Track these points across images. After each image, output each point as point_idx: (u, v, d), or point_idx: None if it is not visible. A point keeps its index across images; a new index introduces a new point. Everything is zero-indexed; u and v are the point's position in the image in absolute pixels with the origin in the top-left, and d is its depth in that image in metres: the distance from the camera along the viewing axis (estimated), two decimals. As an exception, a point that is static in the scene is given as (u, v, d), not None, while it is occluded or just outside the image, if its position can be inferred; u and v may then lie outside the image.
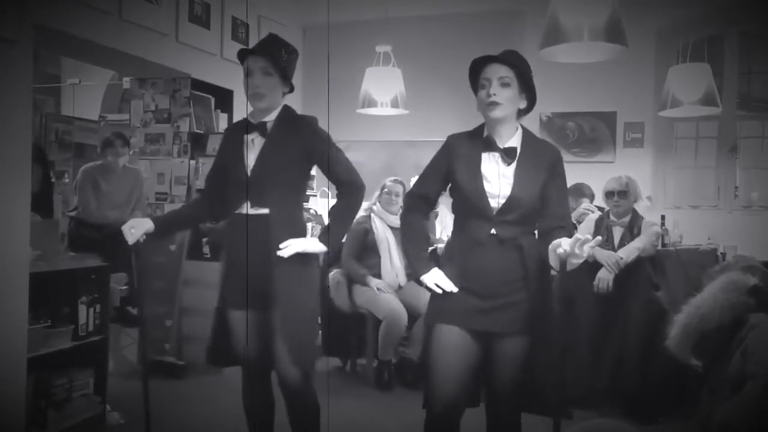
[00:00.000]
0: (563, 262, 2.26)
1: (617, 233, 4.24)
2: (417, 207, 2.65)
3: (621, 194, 4.20)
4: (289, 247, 2.56)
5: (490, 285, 2.40)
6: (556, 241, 2.27)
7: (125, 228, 2.68)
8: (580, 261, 2.24)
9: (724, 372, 2.34)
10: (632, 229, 4.21)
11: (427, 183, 2.61)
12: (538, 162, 2.44)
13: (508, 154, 2.43)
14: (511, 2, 6.26)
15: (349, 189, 2.70)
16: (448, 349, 2.41)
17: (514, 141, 2.46)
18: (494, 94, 2.39)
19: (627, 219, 4.25)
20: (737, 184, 6.07)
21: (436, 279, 2.47)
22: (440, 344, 2.43)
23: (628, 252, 4.04)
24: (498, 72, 2.41)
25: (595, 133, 6.19)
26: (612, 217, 4.29)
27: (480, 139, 2.49)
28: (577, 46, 3.36)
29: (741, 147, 6.12)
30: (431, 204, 2.69)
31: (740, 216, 5.90)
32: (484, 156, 2.45)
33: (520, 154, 2.44)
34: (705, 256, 4.33)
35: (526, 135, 2.50)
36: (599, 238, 2.31)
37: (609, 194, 4.25)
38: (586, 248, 2.20)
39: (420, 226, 2.67)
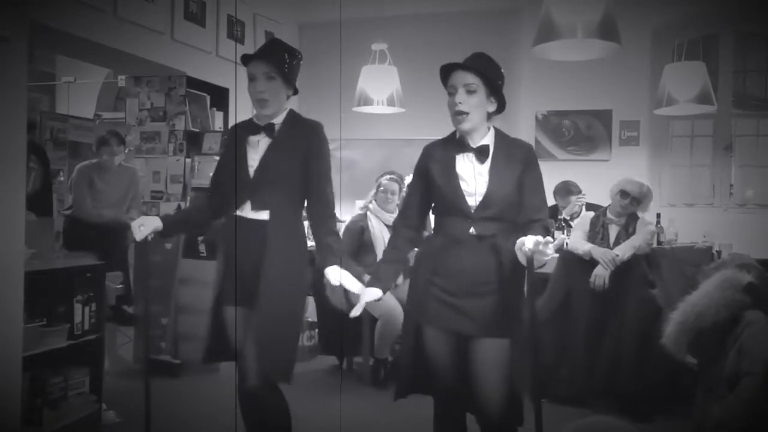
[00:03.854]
0: (530, 259, 2.28)
1: (613, 231, 4.24)
2: (399, 238, 2.64)
3: (634, 200, 4.19)
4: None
5: (466, 284, 2.43)
6: (519, 240, 2.29)
7: (134, 225, 2.66)
8: (547, 258, 2.28)
9: (719, 369, 2.34)
10: (628, 228, 4.21)
11: (409, 204, 2.64)
12: (512, 158, 2.48)
13: (481, 152, 2.47)
14: (507, 0, 6.26)
15: (324, 208, 2.67)
16: (432, 348, 2.50)
17: (487, 139, 2.51)
18: (460, 102, 2.43)
19: (624, 219, 4.25)
20: (732, 182, 6.09)
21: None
22: (422, 341, 2.52)
23: (624, 249, 4.05)
24: (463, 79, 2.44)
25: (590, 131, 6.20)
26: (609, 215, 4.28)
27: (453, 142, 2.54)
28: (571, 44, 3.36)
29: (736, 145, 6.13)
30: (417, 228, 2.65)
31: (735, 214, 5.92)
32: (458, 157, 2.50)
33: (493, 151, 2.48)
34: (700, 254, 4.33)
35: (499, 134, 2.54)
36: (563, 237, 2.34)
37: (623, 194, 4.19)
38: (551, 247, 2.24)
39: (396, 257, 2.64)
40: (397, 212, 2.74)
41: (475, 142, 2.49)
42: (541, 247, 2.21)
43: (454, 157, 2.49)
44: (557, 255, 4.08)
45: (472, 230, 2.44)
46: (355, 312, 2.51)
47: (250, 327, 2.60)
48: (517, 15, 6.16)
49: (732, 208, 6.00)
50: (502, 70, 2.53)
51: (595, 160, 6.13)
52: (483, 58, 2.50)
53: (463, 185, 2.46)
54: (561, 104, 6.16)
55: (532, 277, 2.36)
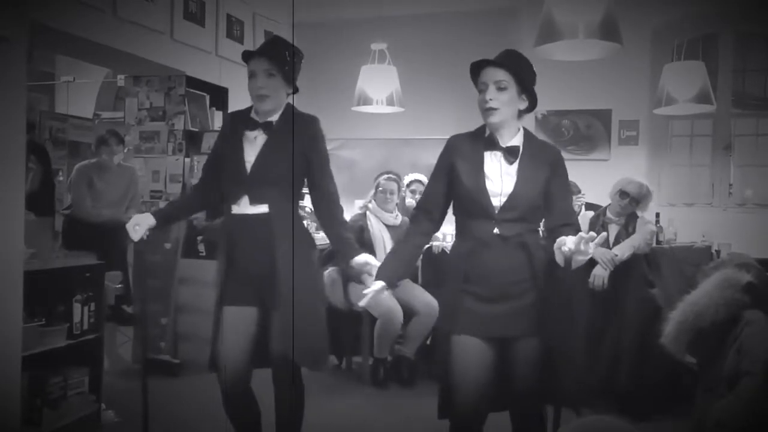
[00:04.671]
0: (568, 259, 2.26)
1: (613, 231, 4.24)
2: (417, 229, 2.59)
3: (633, 200, 4.19)
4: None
5: (498, 286, 2.39)
6: (560, 239, 2.27)
7: (129, 226, 2.68)
8: (586, 258, 2.24)
9: (719, 369, 2.34)
10: (627, 227, 4.22)
11: (431, 194, 2.57)
12: (540, 160, 2.45)
13: (510, 153, 2.44)
14: (507, 0, 6.26)
15: (329, 201, 2.71)
16: (465, 359, 2.41)
17: (516, 140, 2.47)
18: (491, 99, 2.40)
19: (624, 218, 4.25)
20: (731, 182, 6.09)
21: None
22: (457, 354, 2.43)
23: (623, 249, 4.05)
24: (494, 76, 2.41)
25: (590, 130, 6.20)
26: (609, 215, 4.28)
27: (482, 139, 2.49)
28: (573, 44, 3.35)
29: (735, 145, 6.14)
30: (436, 219, 2.59)
31: (734, 213, 5.92)
32: (487, 155, 2.46)
33: (522, 152, 2.45)
34: (699, 253, 4.33)
35: (528, 135, 2.51)
36: (604, 234, 2.30)
37: (623, 194, 4.20)
38: (592, 246, 2.20)
39: (407, 251, 2.60)
40: (415, 203, 2.71)
41: (505, 142, 2.46)
42: (582, 246, 2.18)
43: (483, 156, 2.46)
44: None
45: (495, 230, 2.40)
46: (363, 302, 2.49)
47: (272, 323, 2.63)
48: (517, 15, 6.16)
49: (731, 207, 6.00)
50: (534, 68, 2.49)
51: (595, 159, 6.13)
52: (514, 55, 2.46)
53: (488, 184, 2.42)
54: (560, 104, 6.16)
55: (570, 277, 2.32)
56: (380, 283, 2.47)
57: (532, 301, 2.40)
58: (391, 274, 2.52)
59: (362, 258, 2.65)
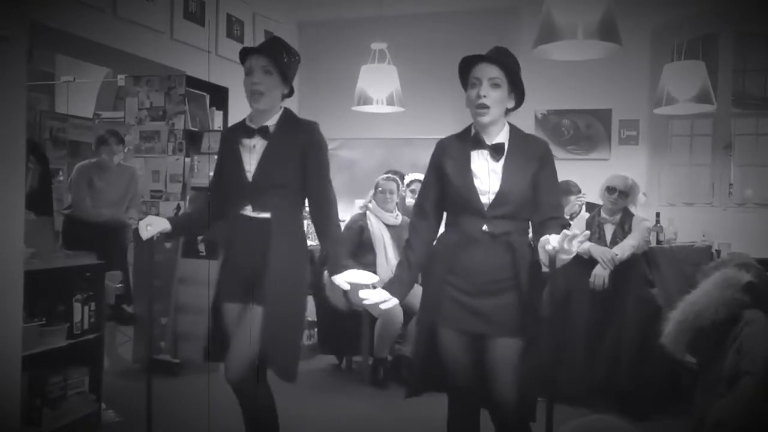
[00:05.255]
0: (552, 259, 2.26)
1: (608, 230, 4.26)
2: (419, 239, 2.58)
3: (622, 194, 4.22)
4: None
5: (481, 282, 2.42)
6: (544, 238, 2.27)
7: (141, 224, 2.68)
8: (570, 257, 2.23)
9: (719, 369, 2.35)
10: (623, 226, 4.23)
11: (426, 198, 2.58)
12: (527, 155, 2.46)
13: (496, 150, 2.46)
14: (507, 0, 6.26)
15: (325, 213, 2.67)
16: (444, 345, 2.49)
17: (502, 137, 2.49)
18: (484, 96, 2.41)
19: (618, 216, 4.27)
20: (732, 182, 6.09)
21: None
22: (436, 341, 2.50)
23: (623, 249, 4.06)
24: (488, 72, 2.42)
25: (590, 130, 6.20)
26: (603, 214, 4.30)
27: (468, 138, 2.51)
28: (572, 44, 3.35)
29: (736, 144, 6.14)
30: (434, 222, 2.60)
31: (735, 213, 5.92)
32: (473, 154, 2.48)
33: (507, 149, 2.47)
34: (699, 253, 4.34)
35: (514, 131, 2.53)
36: (587, 232, 2.28)
37: (610, 190, 4.25)
38: (575, 243, 2.19)
39: (413, 259, 2.58)
40: (412, 207, 2.71)
41: (491, 139, 2.47)
42: (566, 245, 2.18)
43: (469, 155, 2.47)
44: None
45: (485, 228, 2.42)
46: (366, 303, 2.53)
47: (250, 323, 2.60)
48: (517, 15, 6.16)
49: (731, 207, 6.00)
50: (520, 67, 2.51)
51: (595, 159, 6.13)
52: (504, 52, 2.48)
53: (476, 183, 2.43)
54: (560, 103, 6.17)
55: (558, 277, 2.33)
56: (394, 301, 2.51)
57: (511, 301, 2.41)
58: (404, 290, 2.55)
59: (346, 276, 2.61)
